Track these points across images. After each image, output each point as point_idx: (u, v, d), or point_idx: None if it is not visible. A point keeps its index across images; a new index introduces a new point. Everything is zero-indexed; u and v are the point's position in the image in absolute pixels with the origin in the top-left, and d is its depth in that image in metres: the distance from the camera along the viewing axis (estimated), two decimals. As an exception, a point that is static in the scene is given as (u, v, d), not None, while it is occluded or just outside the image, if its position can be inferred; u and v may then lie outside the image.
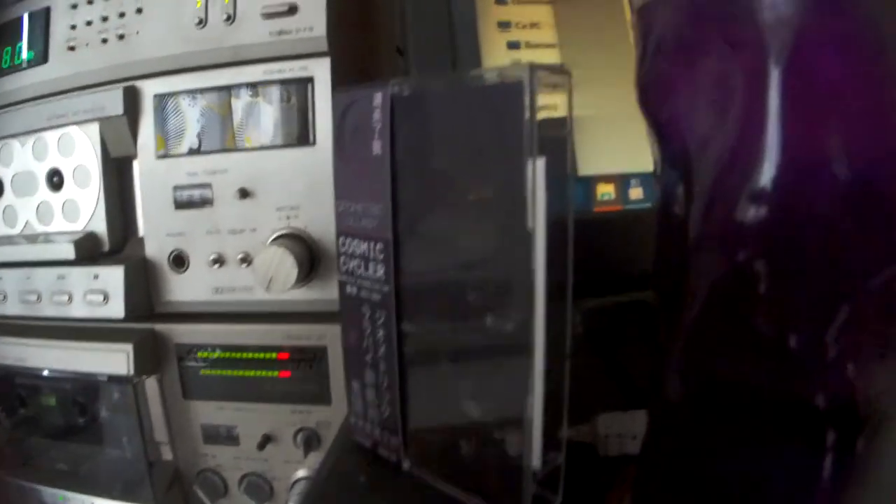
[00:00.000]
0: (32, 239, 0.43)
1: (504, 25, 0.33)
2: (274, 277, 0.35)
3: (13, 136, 0.44)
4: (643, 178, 0.33)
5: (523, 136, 0.23)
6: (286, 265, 0.34)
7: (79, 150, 0.41)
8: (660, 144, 0.23)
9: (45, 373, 0.42)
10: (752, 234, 0.19)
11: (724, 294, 0.21)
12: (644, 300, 0.41)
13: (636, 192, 0.33)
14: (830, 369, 0.19)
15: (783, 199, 0.19)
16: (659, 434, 0.24)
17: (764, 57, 0.18)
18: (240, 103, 0.37)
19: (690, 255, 0.22)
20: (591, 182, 0.32)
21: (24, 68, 0.42)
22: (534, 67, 0.22)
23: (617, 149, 0.33)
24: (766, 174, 0.19)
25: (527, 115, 0.23)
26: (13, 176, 0.44)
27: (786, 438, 0.20)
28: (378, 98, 0.28)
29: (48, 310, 0.41)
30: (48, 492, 0.45)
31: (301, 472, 0.40)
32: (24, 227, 0.44)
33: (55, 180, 0.43)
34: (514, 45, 0.33)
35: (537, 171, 0.23)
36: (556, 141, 0.25)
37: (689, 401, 0.23)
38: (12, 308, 0.42)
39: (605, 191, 0.32)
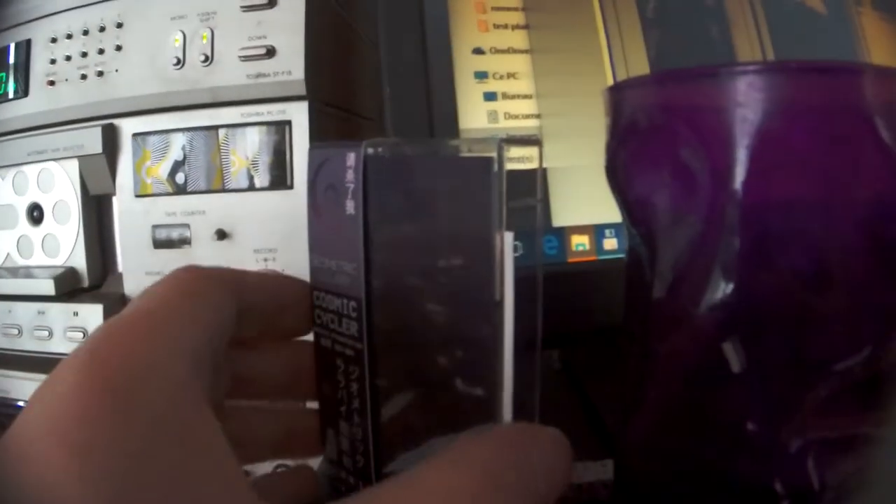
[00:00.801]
0: (14, 272, 0.43)
1: (481, 76, 0.33)
2: (251, 321, 0.35)
3: (-7, 168, 0.44)
4: (617, 229, 0.33)
5: (491, 211, 0.23)
6: (263, 310, 0.34)
7: (58, 185, 0.41)
8: (627, 220, 0.24)
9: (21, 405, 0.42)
10: (712, 321, 0.20)
11: (682, 375, 0.21)
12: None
13: (610, 243, 0.33)
14: (790, 458, 0.19)
15: (745, 290, 0.19)
16: (622, 488, 0.25)
17: (729, 147, 0.18)
18: (219, 144, 0.37)
19: (651, 332, 0.22)
20: (565, 233, 0.32)
21: (8, 100, 0.42)
22: (503, 143, 0.22)
23: (591, 199, 0.33)
24: (729, 263, 0.19)
25: (495, 192, 0.23)
26: (-6, 209, 0.44)
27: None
28: (351, 158, 0.28)
29: (29, 344, 0.41)
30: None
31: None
32: (6, 259, 0.44)
33: (35, 215, 0.43)
34: (490, 97, 0.33)
35: (505, 245, 0.23)
36: (527, 209, 0.25)
37: (647, 464, 0.23)
38: (-7, 340, 0.43)
39: (580, 241, 0.32)
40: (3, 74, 0.44)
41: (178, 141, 0.38)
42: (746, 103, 0.17)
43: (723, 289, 0.19)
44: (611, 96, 0.22)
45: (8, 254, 0.44)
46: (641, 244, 0.23)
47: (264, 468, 0.41)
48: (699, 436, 0.20)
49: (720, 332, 0.20)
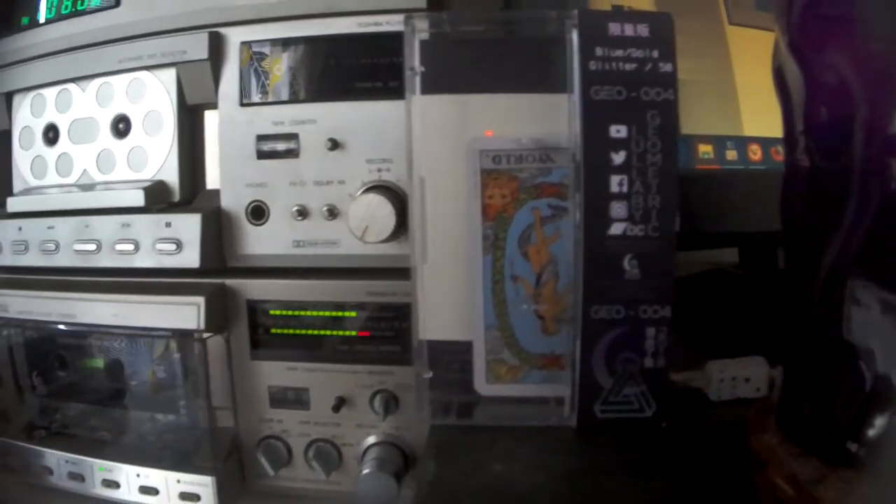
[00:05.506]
0: (89, 188, 0.41)
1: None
2: (370, 226, 0.34)
3: (73, 80, 0.42)
4: (737, 142, 0.34)
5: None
6: (384, 212, 0.34)
7: (150, 95, 0.40)
8: (813, 91, 0.24)
9: (99, 329, 0.40)
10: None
11: None
12: (721, 268, 0.43)
13: (731, 154, 0.34)
14: None
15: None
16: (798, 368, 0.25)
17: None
18: (328, 52, 0.37)
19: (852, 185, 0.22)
20: (692, 141, 0.34)
21: (92, 11, 0.41)
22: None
23: (711, 114, 0.35)
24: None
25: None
26: (71, 123, 0.42)
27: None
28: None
29: (106, 260, 0.39)
30: (86, 462, 0.42)
31: (373, 438, 0.39)
32: (81, 175, 0.42)
33: (121, 127, 0.41)
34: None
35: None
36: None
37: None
38: (63, 260, 0.41)
39: (705, 150, 0.34)
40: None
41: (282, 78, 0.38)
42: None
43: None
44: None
45: (84, 170, 0.42)
46: (826, 119, 0.23)
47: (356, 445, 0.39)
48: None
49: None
